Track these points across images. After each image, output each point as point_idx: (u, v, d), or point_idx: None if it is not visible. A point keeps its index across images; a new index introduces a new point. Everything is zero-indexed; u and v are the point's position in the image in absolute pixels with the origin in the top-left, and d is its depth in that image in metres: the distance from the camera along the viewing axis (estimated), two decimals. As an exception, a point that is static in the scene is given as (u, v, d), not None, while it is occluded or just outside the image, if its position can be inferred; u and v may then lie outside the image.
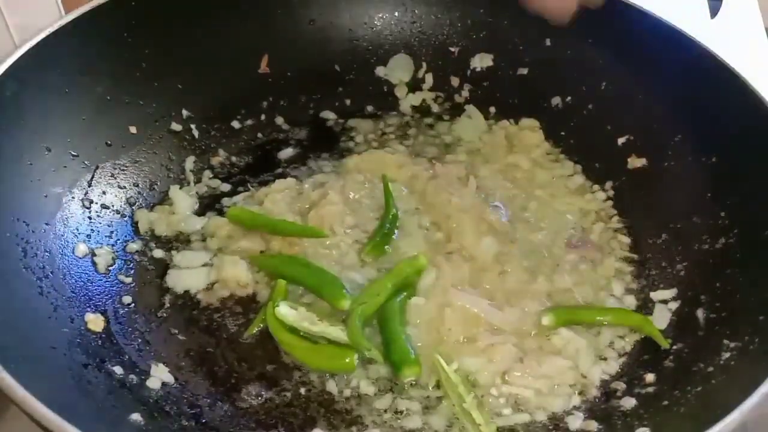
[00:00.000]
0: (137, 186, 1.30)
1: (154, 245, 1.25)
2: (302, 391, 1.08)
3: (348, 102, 1.51)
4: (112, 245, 1.23)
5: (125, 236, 1.25)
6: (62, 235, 1.17)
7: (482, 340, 1.12)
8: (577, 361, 1.11)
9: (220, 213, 1.30)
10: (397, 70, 1.52)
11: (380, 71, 1.52)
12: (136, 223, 1.27)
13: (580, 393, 1.09)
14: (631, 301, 1.21)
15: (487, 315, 1.14)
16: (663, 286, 1.21)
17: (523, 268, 1.22)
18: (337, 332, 1.09)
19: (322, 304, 1.15)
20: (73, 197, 1.21)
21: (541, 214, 1.31)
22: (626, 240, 1.29)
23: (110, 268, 1.20)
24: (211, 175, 1.37)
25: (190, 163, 1.37)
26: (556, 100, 1.45)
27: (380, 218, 1.27)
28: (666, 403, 1.02)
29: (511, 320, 1.14)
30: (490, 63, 1.50)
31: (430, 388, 1.08)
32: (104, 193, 1.26)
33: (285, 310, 1.11)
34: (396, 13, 1.51)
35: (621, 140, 1.37)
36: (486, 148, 1.42)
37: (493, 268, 1.21)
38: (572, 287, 1.21)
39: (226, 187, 1.36)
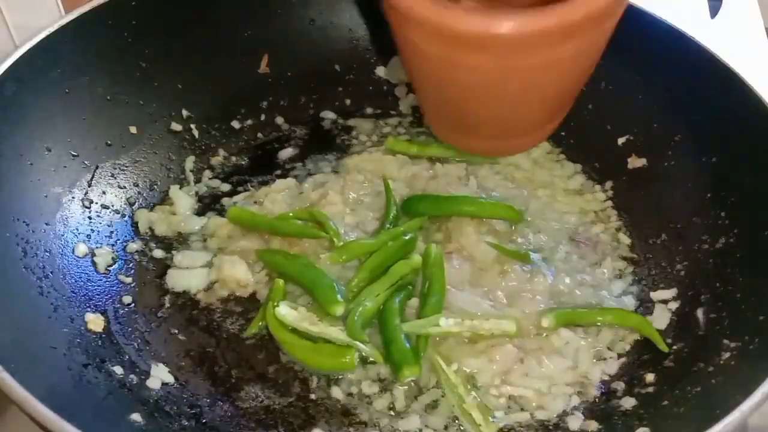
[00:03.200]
0: (137, 186, 1.30)
1: (154, 245, 1.25)
2: (302, 391, 1.08)
3: (348, 102, 1.51)
4: (112, 245, 1.23)
5: (125, 236, 1.25)
6: (62, 235, 1.17)
7: (482, 340, 1.12)
8: (577, 361, 1.11)
9: (220, 213, 1.30)
10: (397, 70, 1.52)
11: (380, 71, 1.52)
12: (136, 223, 1.27)
13: (580, 393, 1.09)
14: (631, 301, 1.21)
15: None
16: (663, 286, 1.21)
17: (523, 269, 1.22)
18: (336, 332, 1.09)
19: (321, 304, 1.15)
20: (73, 197, 1.21)
21: (541, 215, 1.31)
22: (626, 240, 1.29)
23: (110, 268, 1.20)
24: (211, 175, 1.37)
25: (190, 163, 1.37)
26: (556, 100, 1.45)
27: (381, 218, 1.27)
28: (666, 403, 1.02)
29: (524, 321, 1.14)
30: (490, 63, 1.49)
31: (430, 388, 1.08)
32: (104, 193, 1.26)
33: (285, 311, 1.11)
34: (396, 13, 1.50)
35: (621, 140, 1.37)
36: (486, 148, 1.42)
37: (493, 267, 1.21)
38: (572, 287, 1.21)
39: (226, 187, 1.36)
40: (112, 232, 1.24)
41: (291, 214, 1.26)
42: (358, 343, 1.07)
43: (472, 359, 1.09)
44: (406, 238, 1.21)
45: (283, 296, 1.14)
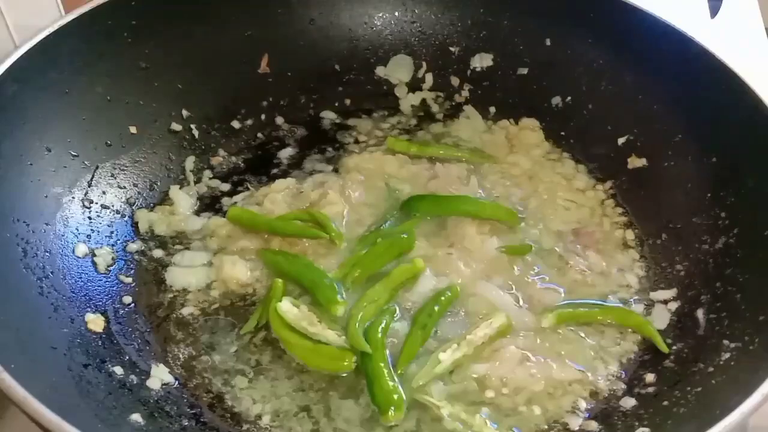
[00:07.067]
0: (137, 186, 1.30)
1: (154, 245, 1.25)
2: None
3: (348, 102, 1.51)
4: (112, 245, 1.23)
5: (125, 236, 1.25)
6: (62, 235, 1.17)
7: (486, 348, 1.11)
8: (579, 362, 1.11)
9: (220, 213, 1.30)
10: (397, 70, 1.52)
11: (380, 71, 1.52)
12: (136, 223, 1.27)
13: (582, 393, 1.09)
14: (638, 306, 1.20)
15: (507, 310, 1.15)
16: (663, 286, 1.21)
17: (526, 266, 1.22)
18: (333, 336, 1.09)
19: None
20: (73, 197, 1.21)
21: (541, 214, 1.31)
22: (626, 240, 1.29)
23: (110, 268, 1.20)
24: (211, 175, 1.37)
25: (190, 163, 1.37)
26: (556, 100, 1.45)
27: (380, 219, 1.27)
28: (666, 403, 1.02)
29: (526, 320, 1.15)
30: (490, 63, 1.49)
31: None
32: (104, 193, 1.26)
33: (287, 307, 1.11)
34: (396, 13, 1.51)
35: (621, 140, 1.37)
36: (486, 148, 1.42)
37: (498, 266, 1.21)
38: (574, 287, 1.21)
39: (226, 187, 1.36)
40: (112, 232, 1.24)
41: (291, 215, 1.26)
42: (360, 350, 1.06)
43: (478, 364, 1.09)
44: (402, 237, 1.21)
45: (283, 296, 1.14)
